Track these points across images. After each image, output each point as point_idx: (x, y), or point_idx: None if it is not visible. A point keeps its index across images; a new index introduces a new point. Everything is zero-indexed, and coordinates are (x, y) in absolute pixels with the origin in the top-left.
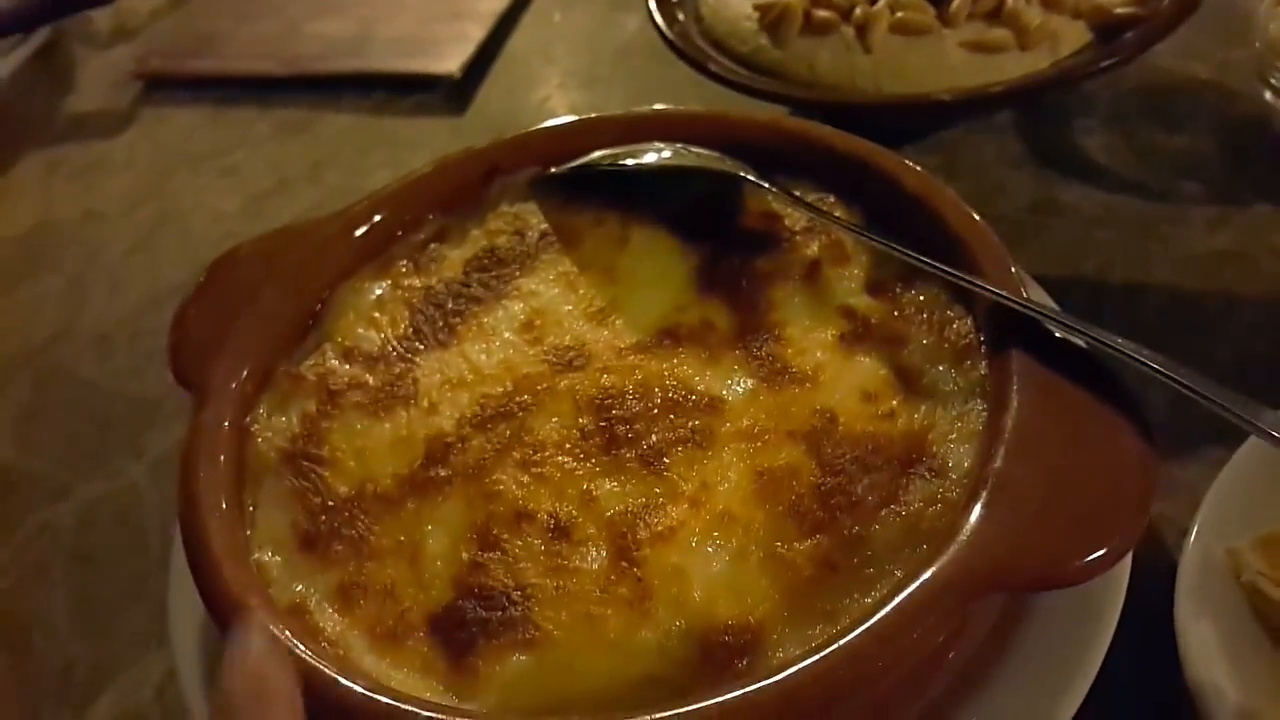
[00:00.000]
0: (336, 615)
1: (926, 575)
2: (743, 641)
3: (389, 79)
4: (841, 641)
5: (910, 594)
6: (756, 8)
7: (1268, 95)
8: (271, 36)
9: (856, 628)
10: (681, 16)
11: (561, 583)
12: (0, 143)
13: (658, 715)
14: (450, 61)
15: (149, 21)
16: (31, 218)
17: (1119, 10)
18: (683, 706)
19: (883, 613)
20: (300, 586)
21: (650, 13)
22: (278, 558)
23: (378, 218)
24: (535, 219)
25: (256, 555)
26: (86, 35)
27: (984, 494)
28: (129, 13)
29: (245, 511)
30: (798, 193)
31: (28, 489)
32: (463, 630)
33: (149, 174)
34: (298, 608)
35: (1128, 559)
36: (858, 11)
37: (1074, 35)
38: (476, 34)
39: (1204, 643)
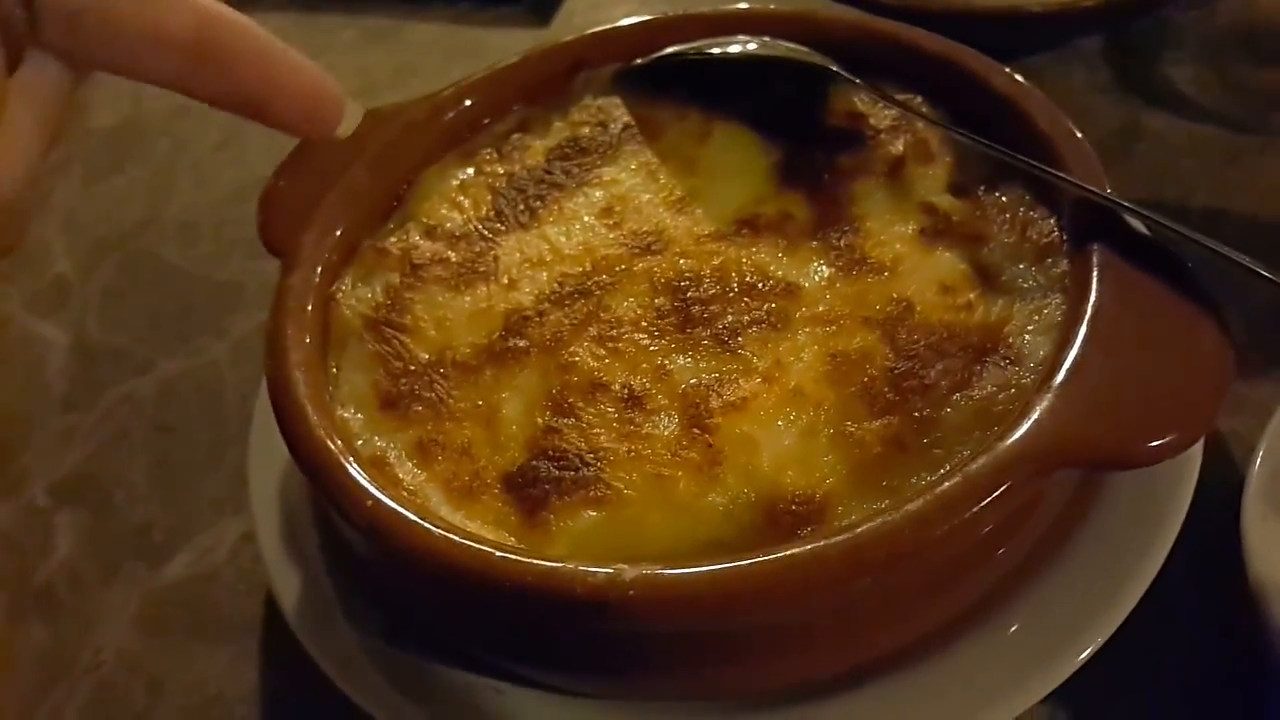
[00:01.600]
0: (415, 469)
1: (997, 448)
2: (808, 511)
3: None
4: (911, 505)
5: (980, 465)
6: None
7: None
8: None
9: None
10: None
11: (634, 447)
12: None
13: (725, 564)
14: None
15: None
16: (121, 113)
17: None
18: (752, 558)
19: (952, 480)
20: (381, 441)
21: None
22: (360, 415)
23: (465, 103)
24: (618, 112)
25: (340, 412)
26: None
27: (1058, 376)
28: None
29: (329, 373)
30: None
31: (111, 362)
32: (535, 487)
33: None
34: (378, 459)
35: (1197, 458)
36: None
37: None
38: None
39: (1270, 544)
